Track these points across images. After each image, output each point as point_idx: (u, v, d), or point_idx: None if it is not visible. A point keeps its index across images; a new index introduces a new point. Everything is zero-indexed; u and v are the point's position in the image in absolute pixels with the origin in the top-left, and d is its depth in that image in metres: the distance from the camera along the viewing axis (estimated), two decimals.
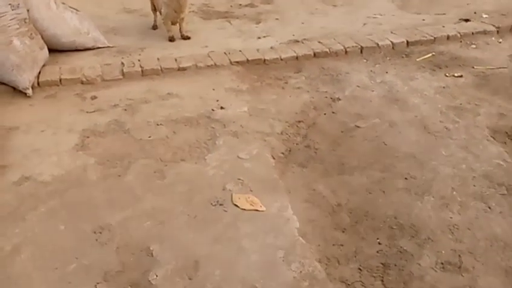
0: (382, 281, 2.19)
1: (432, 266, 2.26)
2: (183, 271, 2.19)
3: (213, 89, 3.73)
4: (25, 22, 3.68)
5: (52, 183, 2.74)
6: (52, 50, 4.11)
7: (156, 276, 2.16)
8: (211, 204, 2.59)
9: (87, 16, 4.51)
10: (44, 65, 3.93)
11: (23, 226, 2.43)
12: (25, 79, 3.60)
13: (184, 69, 3.99)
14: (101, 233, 2.40)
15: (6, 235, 2.37)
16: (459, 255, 2.31)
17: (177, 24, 4.59)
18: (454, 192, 2.71)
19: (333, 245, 2.39)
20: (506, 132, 3.23)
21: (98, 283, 2.13)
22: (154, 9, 4.74)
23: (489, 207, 2.60)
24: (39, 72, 3.84)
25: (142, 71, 3.95)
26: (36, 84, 3.75)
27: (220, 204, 2.58)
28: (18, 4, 3.64)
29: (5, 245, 2.32)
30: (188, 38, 4.59)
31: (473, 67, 4.11)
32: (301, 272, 2.19)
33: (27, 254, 2.27)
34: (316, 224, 2.52)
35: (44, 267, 2.21)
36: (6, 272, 2.18)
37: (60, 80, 3.81)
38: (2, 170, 2.84)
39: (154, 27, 4.85)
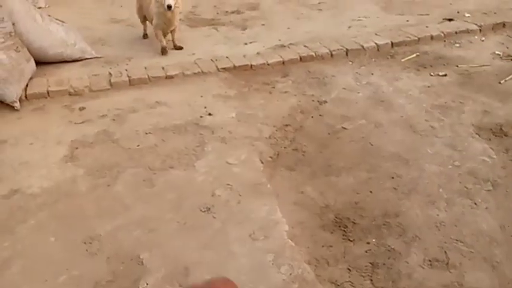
0: (371, 280, 2.21)
1: (420, 263, 2.29)
2: (173, 278, 2.20)
3: (201, 96, 3.76)
4: (10, 36, 3.69)
5: (41, 195, 2.74)
6: (39, 62, 4.11)
7: (147, 284, 2.17)
8: (201, 210, 2.61)
9: (74, 27, 4.53)
10: (31, 78, 3.94)
11: (12, 239, 2.42)
12: (12, 92, 3.60)
13: (171, 77, 4.02)
14: (91, 243, 2.40)
15: None
16: (446, 252, 2.34)
17: (169, 35, 4.57)
18: (440, 190, 2.75)
19: (322, 246, 2.42)
20: (491, 129, 3.28)
21: None
22: (144, 20, 4.72)
23: (475, 203, 2.64)
24: (27, 85, 3.84)
25: (129, 80, 3.97)
26: (23, 97, 3.75)
27: (210, 210, 2.60)
28: (3, 18, 3.66)
29: None
30: (181, 48, 4.56)
31: (457, 66, 4.17)
32: (290, 274, 2.21)
33: (17, 267, 2.27)
34: (304, 226, 2.54)
35: (34, 279, 2.21)
36: None
37: (48, 92, 3.82)
38: None
39: (145, 36, 4.86)
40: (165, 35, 4.49)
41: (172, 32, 4.53)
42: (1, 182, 2.86)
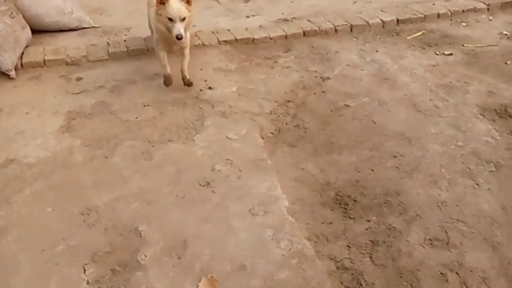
0: (371, 257, 2.20)
1: (420, 242, 2.27)
2: (172, 250, 2.18)
3: (201, 69, 3.67)
4: (4, 0, 3.56)
5: (37, 165, 2.69)
6: (35, 31, 3.99)
7: (145, 256, 2.15)
8: (200, 184, 2.57)
9: None
10: (27, 46, 3.83)
11: (8, 208, 2.39)
12: (7, 60, 3.50)
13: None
14: (88, 214, 2.37)
15: None
16: (447, 232, 2.32)
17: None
18: (443, 170, 2.72)
19: (322, 223, 2.40)
20: (495, 110, 3.23)
21: (86, 264, 2.11)
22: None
23: (477, 184, 2.62)
24: (22, 53, 3.74)
25: (128, 51, 3.87)
26: (19, 66, 3.65)
27: (209, 185, 2.56)
28: None
29: None
30: (190, 84, 3.34)
31: (463, 45, 4.08)
32: (290, 249, 2.19)
33: (14, 236, 2.24)
34: (305, 202, 2.52)
35: (30, 248, 2.18)
36: None
37: (44, 61, 3.71)
38: None
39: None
40: (170, 52, 3.38)
41: (181, 50, 3.37)
42: None
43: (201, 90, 3.41)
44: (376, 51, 3.99)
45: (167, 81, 3.32)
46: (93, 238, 2.24)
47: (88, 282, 2.03)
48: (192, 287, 2.01)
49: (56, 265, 2.11)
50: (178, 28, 2.97)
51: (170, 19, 2.97)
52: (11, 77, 3.53)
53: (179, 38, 2.97)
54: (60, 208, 2.40)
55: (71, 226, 2.30)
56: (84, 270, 2.09)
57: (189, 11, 3.04)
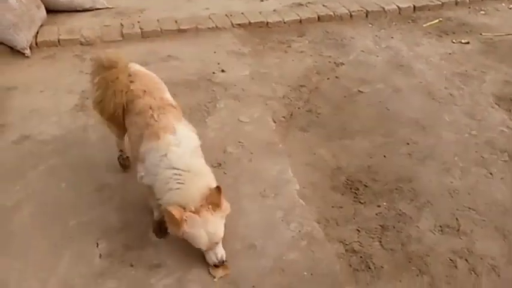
0: (380, 242, 2.21)
1: (431, 228, 2.27)
2: None
3: (214, 52, 3.66)
4: None
5: (52, 142, 2.73)
6: (50, 11, 4.02)
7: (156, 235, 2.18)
8: (212, 165, 2.56)
9: None
10: (41, 25, 3.85)
11: (23, 183, 2.43)
12: (22, 38, 3.53)
13: (184, 31, 3.91)
14: (101, 191, 2.41)
15: (7, 192, 2.38)
16: (458, 219, 2.31)
17: None
18: (456, 158, 2.69)
19: (332, 207, 2.40)
20: (511, 100, 3.18)
21: (99, 239, 2.15)
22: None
23: (490, 173, 2.59)
24: (37, 33, 3.76)
25: (142, 32, 3.87)
26: (34, 45, 3.68)
27: (221, 166, 2.58)
28: None
29: (6, 201, 2.33)
30: None
31: (481, 34, 4.01)
32: (299, 231, 2.20)
33: (29, 211, 2.29)
34: (316, 186, 2.52)
35: (45, 223, 2.23)
36: (7, 227, 2.20)
37: (59, 40, 3.74)
38: (1, 129, 2.82)
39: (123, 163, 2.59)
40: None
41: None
42: (12, 128, 2.84)
43: (214, 73, 3.40)
44: (392, 37, 3.94)
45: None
46: (106, 214, 2.27)
47: (101, 256, 2.07)
48: (202, 264, 2.04)
49: (69, 239, 2.15)
50: (216, 254, 1.96)
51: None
52: (26, 55, 3.56)
53: (219, 265, 1.97)
54: (74, 184, 2.44)
55: (84, 202, 2.33)
56: (97, 244, 2.12)
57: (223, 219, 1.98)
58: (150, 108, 2.08)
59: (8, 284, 1.96)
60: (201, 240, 1.89)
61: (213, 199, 1.91)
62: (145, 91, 2.17)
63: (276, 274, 2.01)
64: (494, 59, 3.66)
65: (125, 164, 2.50)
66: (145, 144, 2.00)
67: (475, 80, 3.39)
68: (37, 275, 1.99)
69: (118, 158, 2.50)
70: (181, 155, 1.95)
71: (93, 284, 1.96)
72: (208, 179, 1.99)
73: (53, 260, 2.06)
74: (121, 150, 2.50)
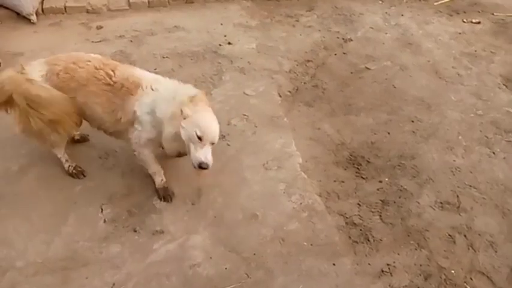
0: (380, 216, 2.23)
1: (431, 204, 2.29)
2: (186, 197, 2.23)
3: (221, 24, 3.62)
4: None
5: None
6: None
7: (160, 200, 2.22)
8: None
9: None
10: None
11: (29, 148, 2.45)
12: (28, 4, 3.50)
13: (191, 2, 3.86)
14: (106, 158, 2.43)
15: (13, 156, 2.41)
16: (458, 196, 2.33)
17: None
18: (460, 137, 2.69)
19: (334, 181, 2.42)
20: None
21: (103, 204, 2.19)
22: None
23: (493, 153, 2.60)
24: None
25: (148, 2, 3.82)
26: (40, 11, 3.65)
27: (225, 138, 2.59)
28: None
29: (12, 165, 2.36)
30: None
31: (492, 14, 3.94)
32: (301, 203, 2.23)
33: (34, 174, 2.32)
34: (318, 160, 2.53)
35: (50, 187, 2.26)
36: (14, 190, 2.23)
37: (65, 7, 3.70)
38: None
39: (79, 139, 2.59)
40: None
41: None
42: None
43: (220, 45, 3.38)
44: (402, 15, 3.87)
45: (165, 196, 2.23)
46: (110, 180, 2.30)
47: (105, 221, 2.11)
48: (204, 232, 2.08)
49: (74, 203, 2.19)
50: (206, 153, 1.96)
51: (200, 138, 1.94)
52: (32, 21, 3.53)
53: (204, 167, 1.94)
54: (79, 150, 2.46)
55: (89, 168, 2.36)
56: (102, 209, 2.16)
57: None
58: (96, 68, 2.08)
59: (14, 244, 2.01)
60: (211, 131, 1.96)
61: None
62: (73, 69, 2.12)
63: (276, 243, 2.05)
64: (504, 40, 3.61)
65: (82, 172, 2.32)
66: (130, 101, 2.03)
67: (483, 61, 3.35)
68: (42, 237, 2.04)
69: (68, 170, 2.29)
70: (167, 87, 2.16)
71: (97, 248, 2.01)
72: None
73: (57, 222, 2.10)
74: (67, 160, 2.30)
